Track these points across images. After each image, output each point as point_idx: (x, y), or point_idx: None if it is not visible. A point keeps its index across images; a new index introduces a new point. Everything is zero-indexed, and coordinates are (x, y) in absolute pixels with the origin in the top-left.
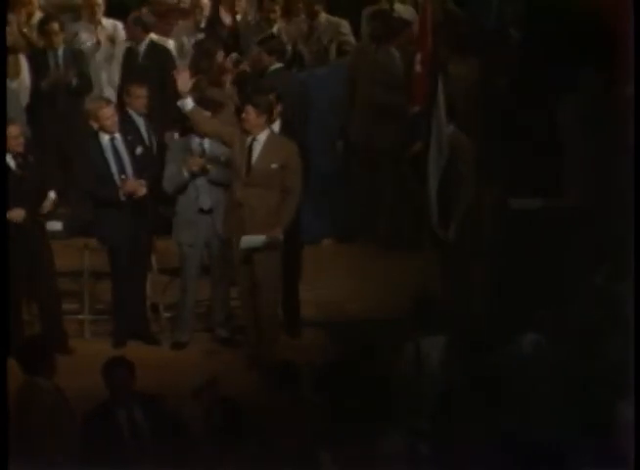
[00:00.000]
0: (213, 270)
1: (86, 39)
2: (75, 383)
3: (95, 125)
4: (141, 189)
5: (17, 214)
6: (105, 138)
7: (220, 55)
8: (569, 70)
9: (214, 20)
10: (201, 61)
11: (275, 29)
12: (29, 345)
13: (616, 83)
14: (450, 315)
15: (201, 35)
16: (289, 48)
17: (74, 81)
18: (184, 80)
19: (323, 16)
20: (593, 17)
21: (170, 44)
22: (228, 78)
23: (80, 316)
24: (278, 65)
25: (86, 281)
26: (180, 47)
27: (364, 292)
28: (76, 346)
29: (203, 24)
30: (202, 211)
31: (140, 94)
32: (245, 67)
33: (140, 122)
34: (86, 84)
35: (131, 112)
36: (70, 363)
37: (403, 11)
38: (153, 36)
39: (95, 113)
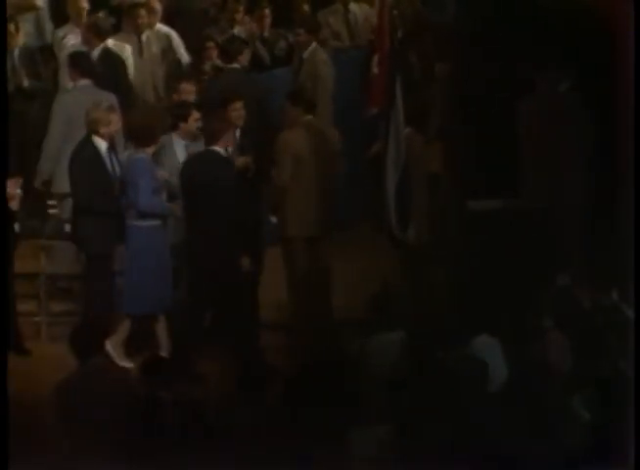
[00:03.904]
0: None
1: (75, 42)
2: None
3: (104, 130)
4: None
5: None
6: (103, 145)
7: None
8: (530, 70)
9: None
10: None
11: (236, 30)
12: (81, 331)
13: (616, 84)
14: (409, 315)
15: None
16: (247, 49)
17: (25, 82)
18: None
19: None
20: (593, 17)
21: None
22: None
23: (37, 319)
24: (234, 65)
25: (43, 283)
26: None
27: None
28: (32, 348)
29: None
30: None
31: (190, 89)
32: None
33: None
34: (38, 86)
35: None
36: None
37: (358, 10)
38: (109, 43)
39: (107, 119)
